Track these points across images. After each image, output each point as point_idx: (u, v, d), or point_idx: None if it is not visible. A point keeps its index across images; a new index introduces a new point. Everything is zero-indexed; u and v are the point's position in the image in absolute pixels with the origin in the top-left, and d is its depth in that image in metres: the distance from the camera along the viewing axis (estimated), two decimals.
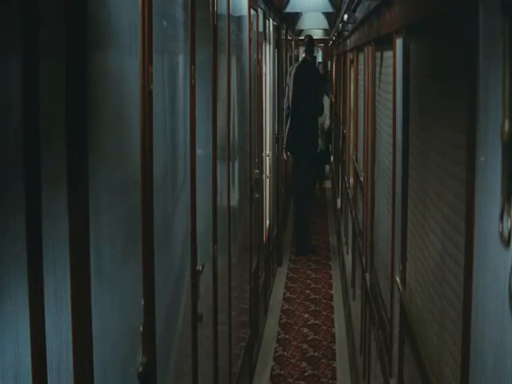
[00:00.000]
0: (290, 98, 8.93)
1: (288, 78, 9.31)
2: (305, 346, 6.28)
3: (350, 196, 6.85)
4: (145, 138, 1.95)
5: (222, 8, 3.59)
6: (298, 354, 6.09)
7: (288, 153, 9.34)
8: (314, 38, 11.50)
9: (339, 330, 6.65)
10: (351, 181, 6.92)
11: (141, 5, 1.90)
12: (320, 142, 10.31)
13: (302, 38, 12.83)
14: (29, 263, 1.18)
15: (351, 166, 6.88)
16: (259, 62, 5.94)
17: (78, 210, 1.41)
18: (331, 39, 12.57)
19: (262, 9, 6.22)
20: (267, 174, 7.09)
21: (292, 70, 9.26)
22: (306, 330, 6.64)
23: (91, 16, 1.49)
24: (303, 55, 9.33)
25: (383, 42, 3.76)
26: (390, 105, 3.31)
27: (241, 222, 4.75)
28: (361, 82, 5.58)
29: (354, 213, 6.29)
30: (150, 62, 1.97)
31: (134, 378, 1.91)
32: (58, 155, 1.35)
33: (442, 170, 2.00)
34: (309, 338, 6.45)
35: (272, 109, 7.81)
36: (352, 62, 6.99)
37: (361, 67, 5.59)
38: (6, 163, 1.14)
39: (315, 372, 5.77)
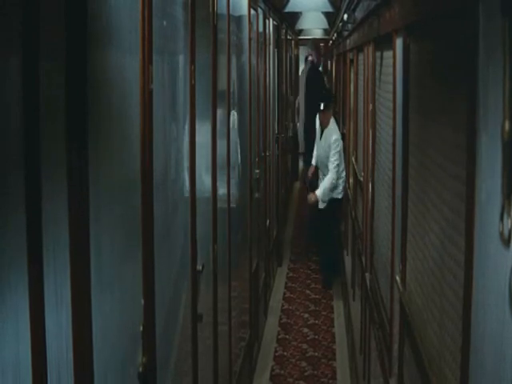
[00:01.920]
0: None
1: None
2: (305, 345, 6.28)
3: (350, 196, 6.85)
4: (145, 138, 1.95)
5: (222, 8, 3.59)
6: (298, 354, 6.09)
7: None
8: (314, 37, 11.53)
9: (339, 329, 6.65)
10: (351, 181, 6.92)
11: (141, 5, 1.90)
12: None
13: (302, 37, 12.86)
14: (29, 263, 1.18)
15: (351, 166, 6.88)
16: (259, 62, 5.94)
17: (78, 210, 1.41)
18: (331, 39, 12.57)
19: (261, 8, 6.22)
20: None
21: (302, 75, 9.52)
22: (305, 330, 6.64)
23: (91, 16, 1.50)
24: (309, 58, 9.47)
25: (383, 42, 3.76)
26: (390, 105, 3.31)
27: (241, 222, 4.75)
28: (361, 82, 5.58)
29: (353, 213, 6.29)
30: (150, 62, 1.97)
31: (134, 377, 1.91)
32: (58, 155, 1.35)
33: (442, 170, 2.00)
34: (309, 338, 6.45)
35: (272, 108, 7.81)
36: (352, 61, 6.99)
37: (361, 67, 5.59)
38: (7, 163, 1.14)
39: (315, 372, 5.77)
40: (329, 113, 7.52)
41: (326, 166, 7.43)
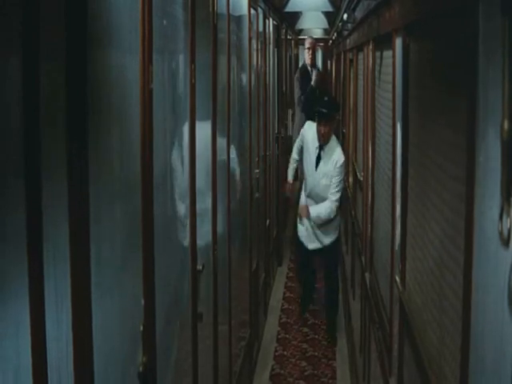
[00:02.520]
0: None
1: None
2: (305, 345, 6.29)
3: (350, 195, 6.86)
4: (145, 138, 1.95)
5: (221, 7, 3.59)
6: (298, 354, 6.09)
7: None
8: (314, 37, 11.51)
9: (339, 329, 6.65)
10: (351, 180, 6.92)
11: (141, 5, 1.90)
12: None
13: (302, 37, 12.87)
14: (29, 263, 1.18)
15: (351, 165, 6.88)
16: (259, 61, 5.94)
17: (78, 209, 1.41)
18: (331, 38, 12.57)
19: (261, 8, 6.22)
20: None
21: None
22: (305, 330, 6.64)
23: (91, 16, 1.50)
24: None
25: (383, 42, 3.76)
26: (390, 104, 3.31)
27: (241, 222, 4.75)
28: (360, 82, 5.58)
29: (353, 212, 6.29)
30: (150, 62, 1.97)
31: (134, 377, 1.92)
32: (58, 155, 1.35)
33: (442, 170, 2.00)
34: (308, 338, 6.45)
35: (272, 107, 7.81)
36: (352, 61, 6.99)
37: (360, 66, 5.59)
38: (7, 163, 1.14)
39: (315, 371, 5.77)
40: (332, 125, 5.83)
41: (324, 199, 5.83)
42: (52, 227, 1.29)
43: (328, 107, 5.76)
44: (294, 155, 6.36)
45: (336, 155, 5.75)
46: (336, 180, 5.72)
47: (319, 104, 5.82)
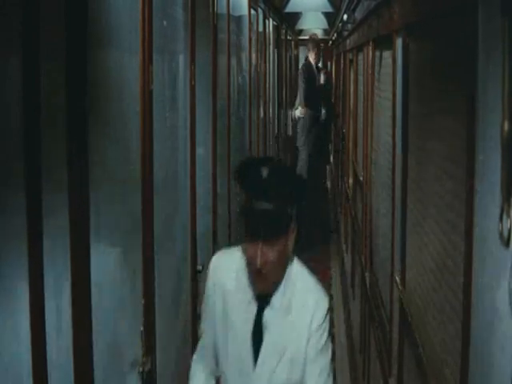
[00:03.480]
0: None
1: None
2: None
3: (350, 195, 6.86)
4: (145, 138, 1.95)
5: (222, 8, 3.60)
6: None
7: None
8: (313, 33, 11.51)
9: (339, 329, 6.64)
10: (351, 180, 6.93)
11: (141, 5, 1.91)
12: None
13: (302, 38, 12.87)
14: (29, 263, 1.18)
15: (351, 165, 6.88)
16: (259, 62, 5.94)
17: (78, 209, 1.41)
18: (331, 39, 12.58)
19: (261, 8, 6.22)
20: None
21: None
22: None
23: (91, 16, 1.50)
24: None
25: (383, 42, 3.76)
26: (390, 104, 3.31)
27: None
28: (360, 82, 5.59)
29: (353, 212, 6.29)
30: (150, 62, 1.98)
31: (134, 377, 1.92)
32: (58, 155, 1.35)
33: (442, 170, 2.01)
34: None
35: (272, 108, 7.81)
36: (352, 61, 6.99)
37: (360, 67, 5.59)
38: (7, 163, 1.14)
39: None
40: (287, 236, 1.82)
41: None
42: (52, 227, 1.29)
43: (274, 196, 1.81)
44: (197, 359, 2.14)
45: (307, 301, 1.94)
46: (322, 358, 1.93)
47: (252, 186, 1.83)
